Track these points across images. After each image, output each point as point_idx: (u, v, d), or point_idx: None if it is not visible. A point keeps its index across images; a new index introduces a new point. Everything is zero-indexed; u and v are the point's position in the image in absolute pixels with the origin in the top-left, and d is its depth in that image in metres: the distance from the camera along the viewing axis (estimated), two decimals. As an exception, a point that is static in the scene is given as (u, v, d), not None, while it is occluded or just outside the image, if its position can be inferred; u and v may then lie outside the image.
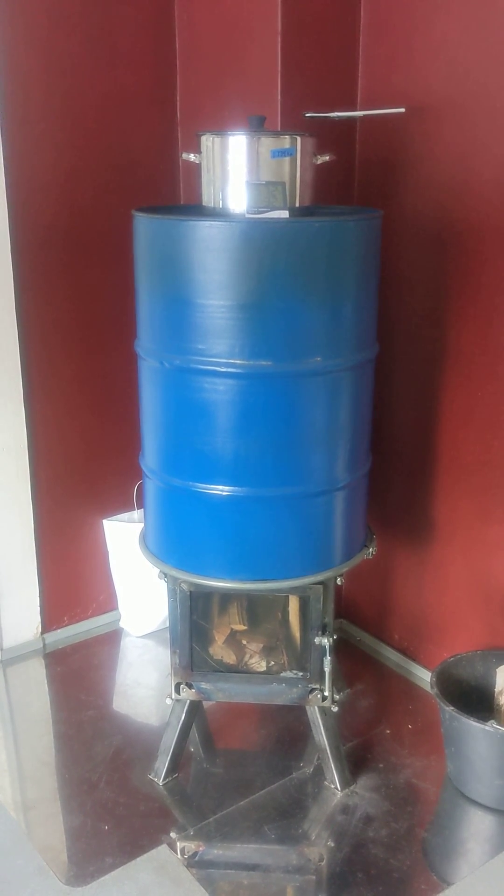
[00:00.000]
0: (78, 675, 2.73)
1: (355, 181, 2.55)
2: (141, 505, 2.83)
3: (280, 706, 2.46)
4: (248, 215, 1.93)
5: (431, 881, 1.96)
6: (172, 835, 2.07)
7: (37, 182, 2.50)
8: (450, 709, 2.12)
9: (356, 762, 2.31)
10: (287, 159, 1.94)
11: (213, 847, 2.04)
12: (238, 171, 1.93)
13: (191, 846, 2.04)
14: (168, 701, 2.24)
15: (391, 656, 2.80)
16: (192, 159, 2.02)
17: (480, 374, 2.32)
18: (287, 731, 2.45)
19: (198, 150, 2.00)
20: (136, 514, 2.90)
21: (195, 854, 2.02)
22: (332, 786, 2.22)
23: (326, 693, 2.16)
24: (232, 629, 2.37)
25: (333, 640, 2.12)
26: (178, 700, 2.22)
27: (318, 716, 2.20)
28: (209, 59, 2.54)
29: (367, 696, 2.62)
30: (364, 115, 2.44)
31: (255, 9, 2.30)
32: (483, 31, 2.11)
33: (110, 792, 2.21)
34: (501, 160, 2.14)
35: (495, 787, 2.13)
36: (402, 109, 2.30)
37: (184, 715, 2.23)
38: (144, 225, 1.94)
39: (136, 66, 2.60)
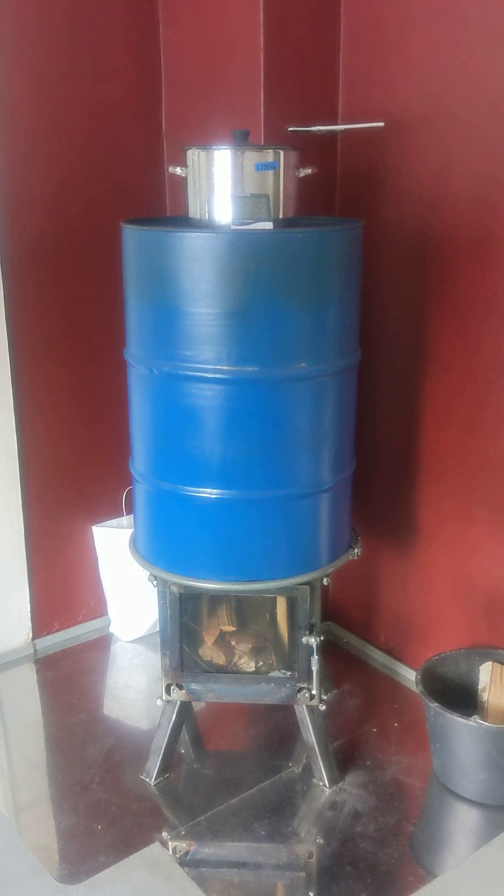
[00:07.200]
0: (69, 679, 2.76)
1: (337, 193, 2.61)
2: (129, 511, 2.87)
3: (269, 706, 2.50)
4: (233, 226, 1.98)
5: (418, 873, 2.00)
6: (164, 833, 2.11)
7: (27, 194, 2.55)
8: (435, 705, 2.17)
9: (344, 760, 2.36)
10: (271, 172, 2.00)
11: (204, 845, 2.08)
12: (223, 183, 1.99)
13: (182, 845, 2.08)
14: (159, 702, 2.27)
15: (377, 657, 2.85)
16: (178, 173, 2.07)
17: (458, 379, 2.38)
18: (276, 730, 2.49)
19: (184, 164, 2.06)
20: (125, 519, 2.93)
21: (187, 852, 2.05)
22: (321, 783, 2.26)
23: (314, 692, 2.20)
24: (221, 630, 2.41)
25: (320, 639, 2.16)
26: (168, 701, 2.25)
27: (307, 715, 2.24)
28: (193, 74, 2.60)
29: (354, 696, 2.66)
30: (345, 129, 2.51)
31: (238, 25, 2.37)
32: (454, 52, 2.18)
33: (102, 792, 2.24)
34: (474, 174, 2.21)
35: (479, 781, 2.18)
36: (381, 124, 2.36)
37: (174, 716, 2.26)
38: (133, 236, 1.99)
39: (123, 81, 2.66)
